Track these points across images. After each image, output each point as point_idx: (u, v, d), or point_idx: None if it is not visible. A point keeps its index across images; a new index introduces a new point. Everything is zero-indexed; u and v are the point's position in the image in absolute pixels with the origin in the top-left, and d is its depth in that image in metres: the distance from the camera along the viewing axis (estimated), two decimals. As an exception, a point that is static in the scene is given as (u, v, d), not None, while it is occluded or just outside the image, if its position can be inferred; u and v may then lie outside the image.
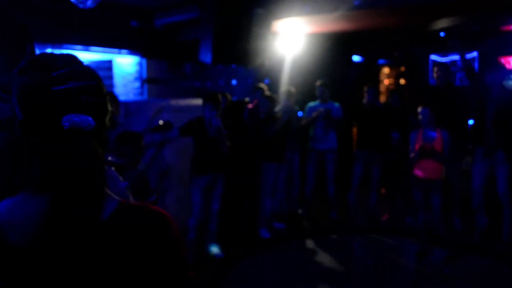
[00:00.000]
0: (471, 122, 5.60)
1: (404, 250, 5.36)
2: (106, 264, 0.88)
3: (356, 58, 8.65)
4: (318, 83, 5.91)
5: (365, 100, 5.70)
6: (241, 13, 5.30)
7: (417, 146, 4.69)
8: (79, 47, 5.39)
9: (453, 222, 5.34)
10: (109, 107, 0.97)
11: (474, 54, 7.26)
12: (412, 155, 4.73)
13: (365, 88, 5.69)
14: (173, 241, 0.96)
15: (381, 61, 9.19)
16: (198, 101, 5.20)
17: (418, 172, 4.76)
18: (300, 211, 6.17)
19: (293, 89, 5.81)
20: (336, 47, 7.40)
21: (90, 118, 0.88)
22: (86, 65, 0.96)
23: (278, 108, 5.84)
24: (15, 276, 0.83)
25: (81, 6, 4.27)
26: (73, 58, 0.95)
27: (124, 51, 6.03)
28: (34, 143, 0.87)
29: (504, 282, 4.39)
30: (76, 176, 0.87)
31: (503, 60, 6.87)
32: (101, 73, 1.06)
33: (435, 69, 5.48)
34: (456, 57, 7.48)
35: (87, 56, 5.64)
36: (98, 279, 0.88)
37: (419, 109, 4.67)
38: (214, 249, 4.78)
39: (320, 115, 5.71)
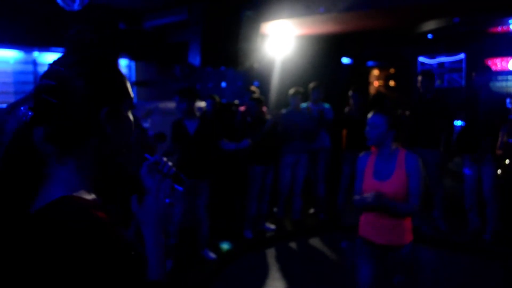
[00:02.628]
0: (458, 123, 5.64)
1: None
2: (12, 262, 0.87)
3: (345, 60, 8.70)
4: (312, 85, 5.92)
5: (350, 105, 5.76)
6: (230, 15, 5.29)
7: (365, 185, 2.81)
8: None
9: (438, 225, 5.37)
10: (70, 111, 0.97)
11: (462, 55, 7.33)
12: (356, 197, 2.81)
13: (350, 92, 5.73)
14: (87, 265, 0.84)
15: (370, 63, 9.24)
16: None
17: (367, 232, 2.85)
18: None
19: (301, 89, 5.77)
20: (326, 49, 7.43)
21: (31, 113, 0.96)
22: (75, 68, 0.98)
23: (283, 111, 5.80)
24: None
25: (68, 8, 4.24)
26: (74, 59, 1.00)
27: (112, 53, 5.98)
28: None
29: (492, 281, 4.43)
30: (4, 161, 0.94)
31: (490, 62, 6.94)
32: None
33: (419, 78, 5.37)
34: (444, 58, 7.56)
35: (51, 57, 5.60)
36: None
37: (370, 116, 2.80)
38: (212, 254, 4.76)
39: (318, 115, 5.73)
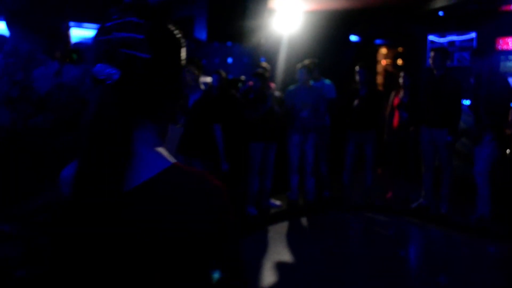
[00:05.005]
0: (467, 102, 5.55)
1: (398, 228, 5.39)
2: (132, 237, 0.79)
3: (353, 37, 8.57)
4: (299, 66, 5.59)
5: (356, 81, 5.67)
6: (237, -11, 5.20)
7: None
8: (71, 23, 5.28)
9: (440, 207, 5.32)
10: (161, 68, 0.86)
11: (473, 34, 7.20)
12: None
13: (356, 68, 5.62)
14: (225, 225, 0.83)
15: (378, 41, 9.11)
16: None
17: None
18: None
19: (311, 63, 5.54)
20: (334, 26, 7.31)
21: (116, 71, 0.82)
22: (155, 20, 0.87)
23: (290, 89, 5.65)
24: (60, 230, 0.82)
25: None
26: (145, 8, 0.88)
27: (118, 27, 5.91)
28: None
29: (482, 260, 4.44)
30: (93, 133, 0.81)
31: (501, 41, 6.82)
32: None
33: (432, 53, 5.18)
34: (454, 37, 7.43)
35: (80, 33, 5.54)
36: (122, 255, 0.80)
37: None
38: None
39: None
